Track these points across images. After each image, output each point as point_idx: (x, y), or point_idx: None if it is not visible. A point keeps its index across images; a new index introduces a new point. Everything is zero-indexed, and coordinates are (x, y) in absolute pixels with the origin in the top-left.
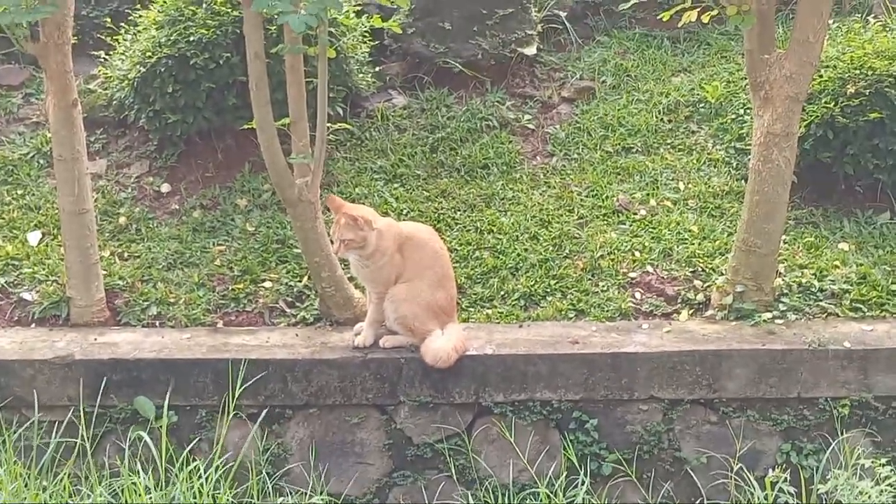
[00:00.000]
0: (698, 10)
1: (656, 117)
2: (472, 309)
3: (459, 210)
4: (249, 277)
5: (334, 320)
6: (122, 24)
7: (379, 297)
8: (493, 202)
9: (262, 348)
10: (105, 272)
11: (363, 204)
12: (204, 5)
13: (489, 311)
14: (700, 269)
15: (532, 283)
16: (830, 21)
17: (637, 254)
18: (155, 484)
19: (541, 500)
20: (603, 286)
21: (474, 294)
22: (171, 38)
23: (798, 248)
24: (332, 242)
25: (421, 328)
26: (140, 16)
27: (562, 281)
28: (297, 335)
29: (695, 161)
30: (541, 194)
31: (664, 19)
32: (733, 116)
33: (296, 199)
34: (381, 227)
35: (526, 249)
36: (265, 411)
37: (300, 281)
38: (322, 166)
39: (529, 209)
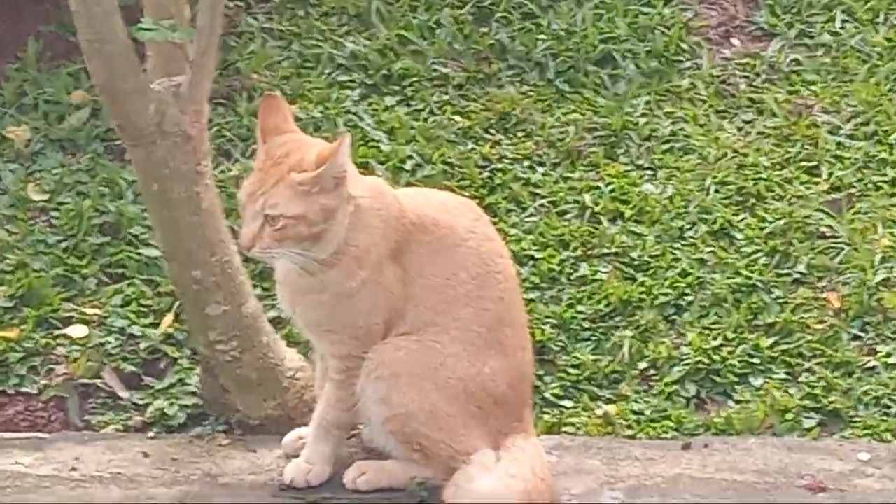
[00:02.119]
0: None
1: None
2: (568, 402)
3: (541, 163)
4: (33, 314)
5: (237, 420)
6: None
7: (345, 367)
8: (624, 145)
9: (62, 483)
10: None
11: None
12: None
13: (612, 408)
14: None
15: (713, 344)
16: None
17: None
18: None
19: None
20: (888, 354)
21: (575, 367)
22: None
23: None
24: (239, 229)
25: (447, 446)
26: None
27: (787, 339)
28: (145, 455)
29: None
30: (738, 129)
31: None
32: None
33: (152, 129)
34: (359, 195)
35: (701, 261)
36: None
37: (155, 325)
38: (215, 50)
39: (710, 163)
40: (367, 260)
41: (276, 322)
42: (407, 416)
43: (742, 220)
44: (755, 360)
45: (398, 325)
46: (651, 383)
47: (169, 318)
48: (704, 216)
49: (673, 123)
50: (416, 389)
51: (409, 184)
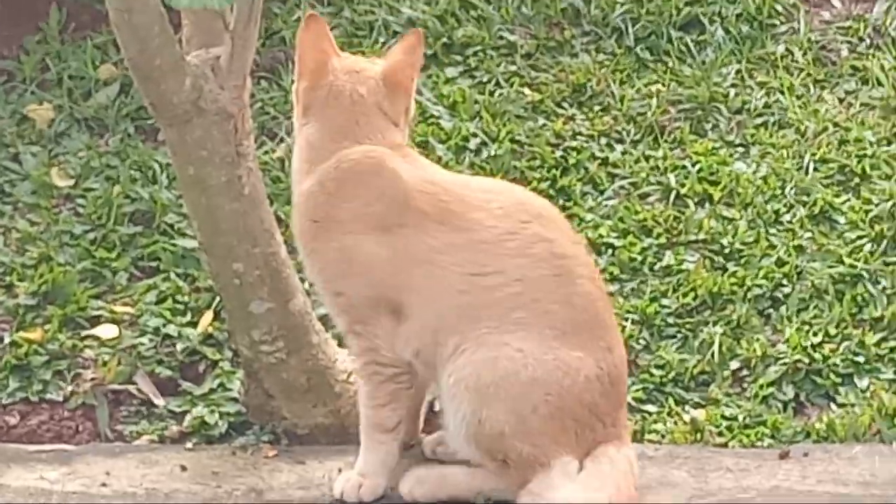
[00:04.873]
0: None
1: None
2: (651, 406)
3: (620, 140)
4: (58, 313)
5: (284, 429)
6: None
7: (358, 350)
8: (712, 120)
9: (91, 500)
10: None
11: None
12: None
13: (700, 414)
14: None
15: (814, 341)
16: None
17: None
18: None
19: None
20: None
21: (659, 367)
22: None
23: None
24: (284, 217)
25: (534, 458)
26: None
27: None
28: (183, 468)
29: None
30: (840, 100)
31: None
32: None
33: (188, 107)
34: (347, 157)
35: (799, 248)
36: None
37: (193, 324)
38: (258, 18)
39: (808, 138)
40: (327, 223)
41: (327, 320)
42: (488, 421)
43: (845, 202)
44: (860, 359)
45: (402, 313)
46: (744, 385)
47: (208, 316)
48: (803, 198)
49: (767, 95)
50: (489, 396)
51: (472, 164)
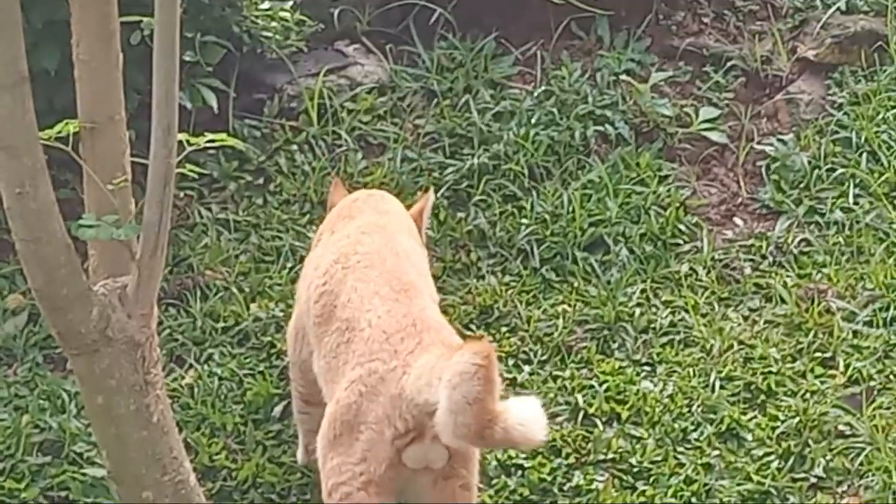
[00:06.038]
0: None
1: None
2: None
3: (528, 361)
4: None
5: None
6: None
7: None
8: (618, 339)
9: None
10: None
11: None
12: None
13: None
14: None
15: None
16: None
17: None
18: None
19: None
20: None
21: None
22: None
23: None
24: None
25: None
26: None
27: None
28: None
29: None
30: (744, 318)
31: None
32: None
33: (95, 336)
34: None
35: (707, 466)
36: None
37: None
38: (165, 246)
39: (714, 356)
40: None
41: None
42: None
43: (751, 419)
44: None
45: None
46: None
47: None
48: (710, 416)
49: (672, 313)
50: None
51: None
